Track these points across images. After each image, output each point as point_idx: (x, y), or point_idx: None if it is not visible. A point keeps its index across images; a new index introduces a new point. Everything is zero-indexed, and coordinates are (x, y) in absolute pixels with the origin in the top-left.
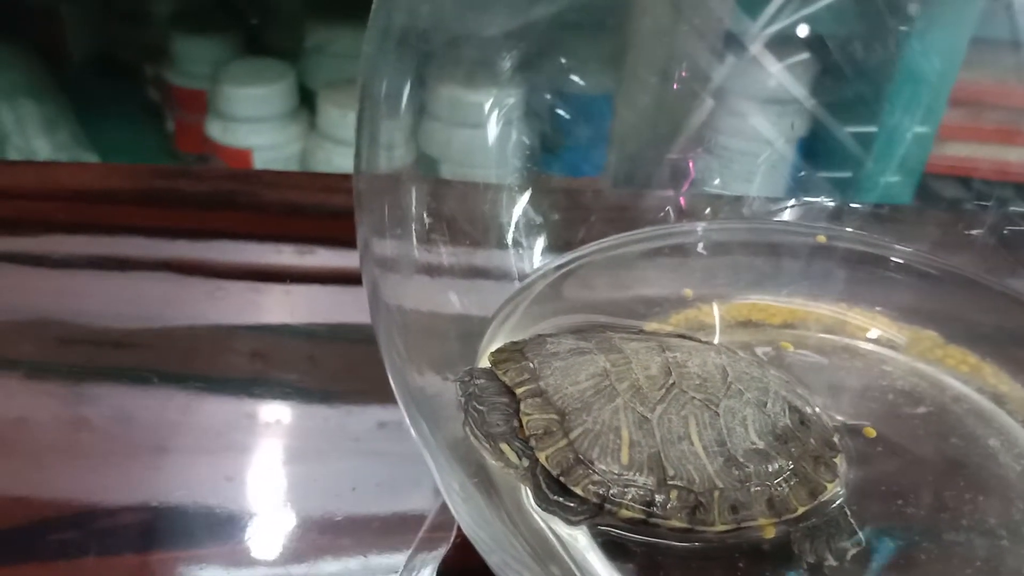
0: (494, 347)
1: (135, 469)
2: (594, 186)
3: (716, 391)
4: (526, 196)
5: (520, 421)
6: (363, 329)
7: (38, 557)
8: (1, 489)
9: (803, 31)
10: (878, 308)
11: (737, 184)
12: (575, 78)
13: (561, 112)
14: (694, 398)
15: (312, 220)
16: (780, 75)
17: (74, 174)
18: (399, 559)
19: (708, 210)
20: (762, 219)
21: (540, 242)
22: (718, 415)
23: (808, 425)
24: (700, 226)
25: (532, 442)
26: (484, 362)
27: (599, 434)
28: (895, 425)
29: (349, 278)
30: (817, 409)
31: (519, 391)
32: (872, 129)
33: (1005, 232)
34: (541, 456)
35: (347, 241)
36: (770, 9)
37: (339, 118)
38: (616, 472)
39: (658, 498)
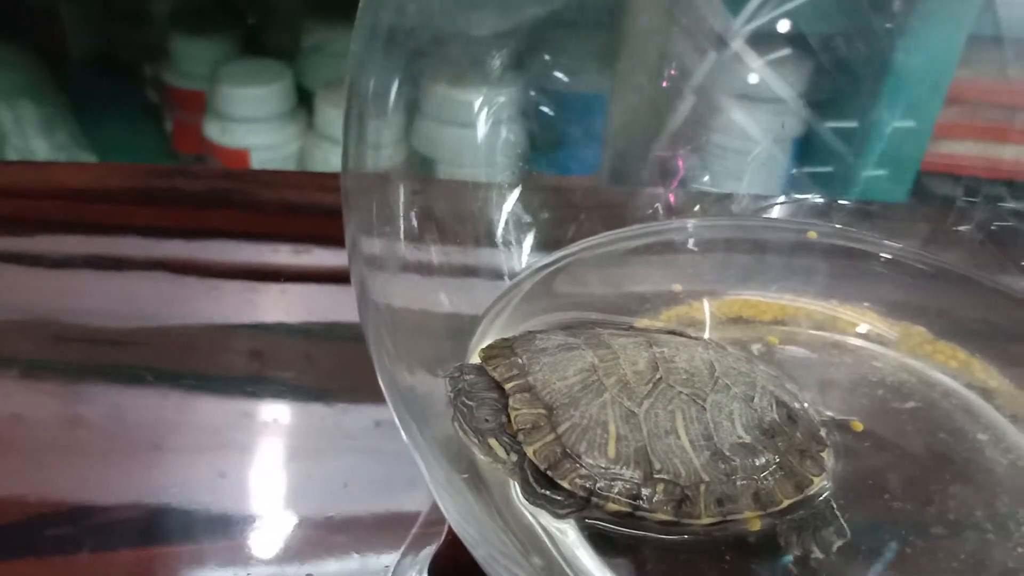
0: (485, 344)
1: (131, 466)
2: (584, 184)
3: (703, 386)
4: (516, 194)
5: (509, 416)
6: (359, 328)
7: (34, 553)
8: None
9: (784, 27)
10: (868, 304)
11: (728, 182)
12: (567, 77)
13: (554, 111)
14: (681, 393)
15: (308, 219)
16: (764, 73)
17: (72, 174)
18: (393, 556)
19: (697, 207)
20: (752, 216)
21: (530, 240)
22: (705, 409)
23: (795, 420)
24: (691, 223)
25: (520, 436)
26: (475, 359)
27: (586, 428)
28: (884, 420)
29: (345, 277)
30: (805, 404)
31: (508, 386)
32: (865, 127)
33: (993, 228)
34: (529, 450)
35: (343, 240)
36: (752, 7)
37: (337, 118)
38: (603, 466)
39: (644, 491)
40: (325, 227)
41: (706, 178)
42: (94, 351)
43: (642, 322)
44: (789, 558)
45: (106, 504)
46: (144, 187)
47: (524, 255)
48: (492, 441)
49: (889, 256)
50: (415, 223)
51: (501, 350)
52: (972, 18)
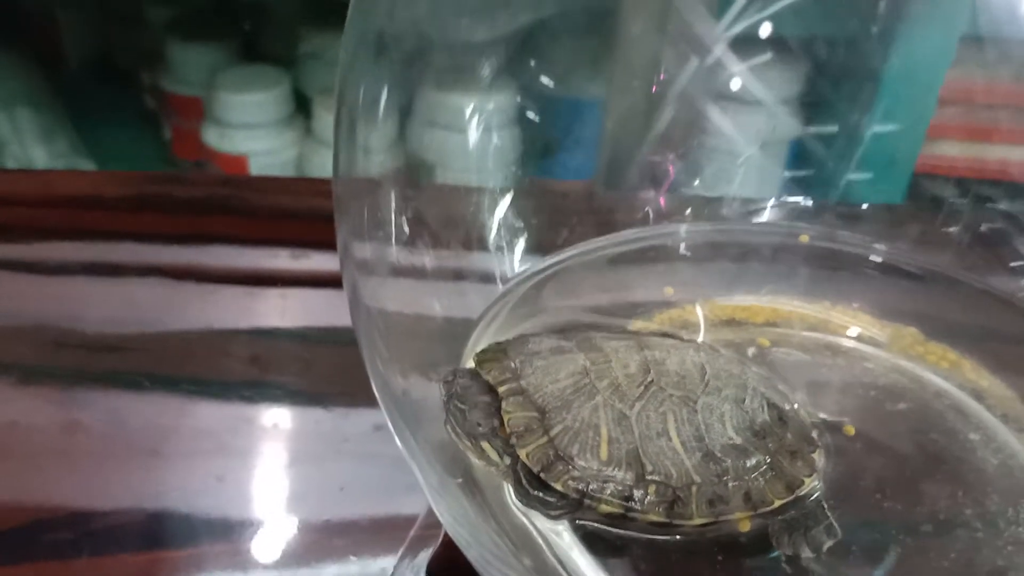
0: (479, 348)
1: (129, 472)
2: (577, 188)
3: (694, 388)
4: (508, 199)
5: (501, 419)
6: None
7: (33, 558)
8: None
9: (767, 32)
10: (859, 306)
11: (718, 186)
12: (560, 83)
13: (548, 116)
14: (672, 395)
15: (305, 224)
16: (747, 78)
17: (69, 181)
18: (391, 559)
19: (689, 211)
20: (743, 220)
21: (523, 245)
22: (696, 411)
23: (786, 421)
24: (683, 227)
25: (513, 439)
26: (470, 363)
27: (579, 431)
28: (875, 420)
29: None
30: (796, 405)
31: (501, 389)
32: (846, 131)
33: (982, 229)
34: (522, 453)
35: None
36: (736, 10)
37: None
38: (595, 468)
39: (636, 493)
40: (322, 232)
41: (696, 182)
42: (92, 357)
43: (636, 325)
44: (780, 558)
45: (105, 509)
46: (141, 194)
47: (517, 260)
48: (485, 444)
49: (880, 258)
50: (407, 228)
51: (494, 354)
52: (963, 21)
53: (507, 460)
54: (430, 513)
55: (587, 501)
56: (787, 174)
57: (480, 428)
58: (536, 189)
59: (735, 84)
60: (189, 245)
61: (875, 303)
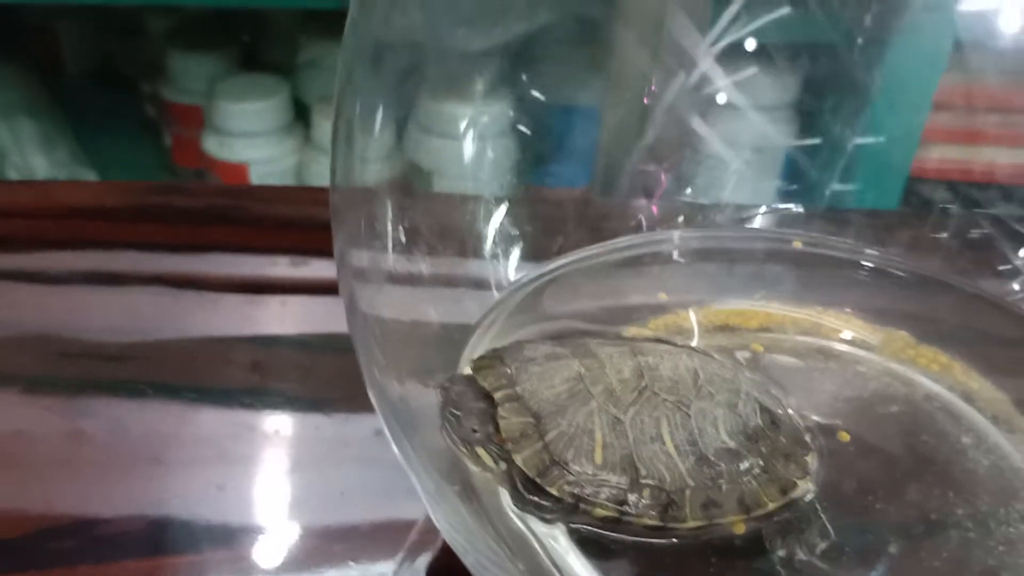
0: (476, 355)
1: (132, 479)
2: (573, 196)
3: (687, 393)
4: (504, 207)
5: (497, 425)
6: None
7: (37, 566)
8: (0, 500)
9: (752, 45)
10: (851, 310)
11: (710, 193)
12: (557, 92)
13: (545, 125)
14: (666, 400)
15: (305, 232)
16: (731, 91)
17: (70, 191)
18: (390, 564)
19: (681, 218)
20: (736, 226)
21: (518, 252)
22: (689, 416)
23: (779, 424)
24: (676, 234)
25: (508, 445)
26: (466, 369)
27: (573, 436)
28: (868, 423)
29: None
30: (790, 410)
31: (496, 395)
32: (829, 143)
33: (971, 234)
34: (517, 458)
35: None
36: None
37: None
38: (590, 472)
39: (631, 497)
40: (322, 240)
41: (688, 190)
42: (94, 366)
43: (630, 331)
44: (774, 560)
45: (108, 517)
46: (142, 204)
47: (512, 267)
48: (480, 450)
49: (871, 263)
50: (403, 236)
51: (490, 360)
52: (952, 32)
53: (503, 466)
54: (429, 518)
55: (582, 505)
56: (778, 183)
57: (476, 434)
58: (531, 197)
59: (721, 98)
60: (190, 254)
61: (866, 307)
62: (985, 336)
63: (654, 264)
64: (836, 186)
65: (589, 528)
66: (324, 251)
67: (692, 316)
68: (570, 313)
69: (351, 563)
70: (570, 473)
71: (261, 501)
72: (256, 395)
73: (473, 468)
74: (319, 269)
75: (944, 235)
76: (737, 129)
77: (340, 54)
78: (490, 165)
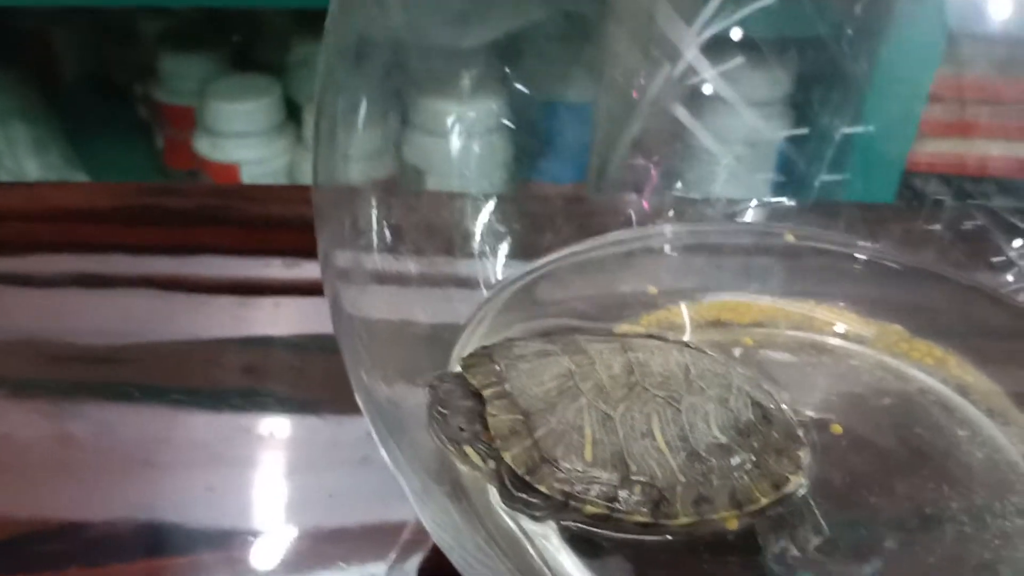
0: (466, 353)
1: (121, 482)
2: (563, 192)
3: (678, 388)
4: (492, 204)
5: (485, 423)
6: None
7: (26, 570)
8: None
9: (738, 35)
10: (844, 304)
11: (701, 187)
12: (548, 88)
13: (537, 121)
14: (656, 396)
15: (297, 233)
16: (718, 83)
17: (60, 193)
18: (382, 565)
19: (672, 212)
20: (727, 220)
21: (507, 249)
22: (680, 412)
23: (771, 419)
24: (667, 229)
25: (497, 442)
26: (456, 367)
27: (563, 433)
28: (862, 417)
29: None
30: (783, 405)
31: (485, 393)
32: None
33: (964, 226)
34: (507, 456)
35: None
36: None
37: None
38: (580, 469)
39: (621, 494)
40: (314, 241)
41: (679, 185)
42: (84, 369)
43: (622, 328)
44: (767, 556)
45: (97, 520)
46: (132, 206)
47: (501, 265)
48: (467, 449)
49: (864, 256)
50: (389, 235)
51: (480, 358)
52: (944, 22)
53: (491, 464)
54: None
55: (572, 503)
56: (769, 176)
57: (463, 432)
58: (519, 194)
59: (708, 89)
60: (181, 256)
61: (860, 301)
62: (979, 328)
63: (645, 259)
64: (825, 176)
65: (580, 526)
66: (316, 252)
67: (684, 312)
68: (560, 310)
69: (342, 564)
70: (560, 470)
71: (253, 503)
72: (248, 397)
73: (462, 467)
74: (311, 270)
75: (937, 227)
76: (729, 124)
77: (321, 51)
78: (478, 162)
